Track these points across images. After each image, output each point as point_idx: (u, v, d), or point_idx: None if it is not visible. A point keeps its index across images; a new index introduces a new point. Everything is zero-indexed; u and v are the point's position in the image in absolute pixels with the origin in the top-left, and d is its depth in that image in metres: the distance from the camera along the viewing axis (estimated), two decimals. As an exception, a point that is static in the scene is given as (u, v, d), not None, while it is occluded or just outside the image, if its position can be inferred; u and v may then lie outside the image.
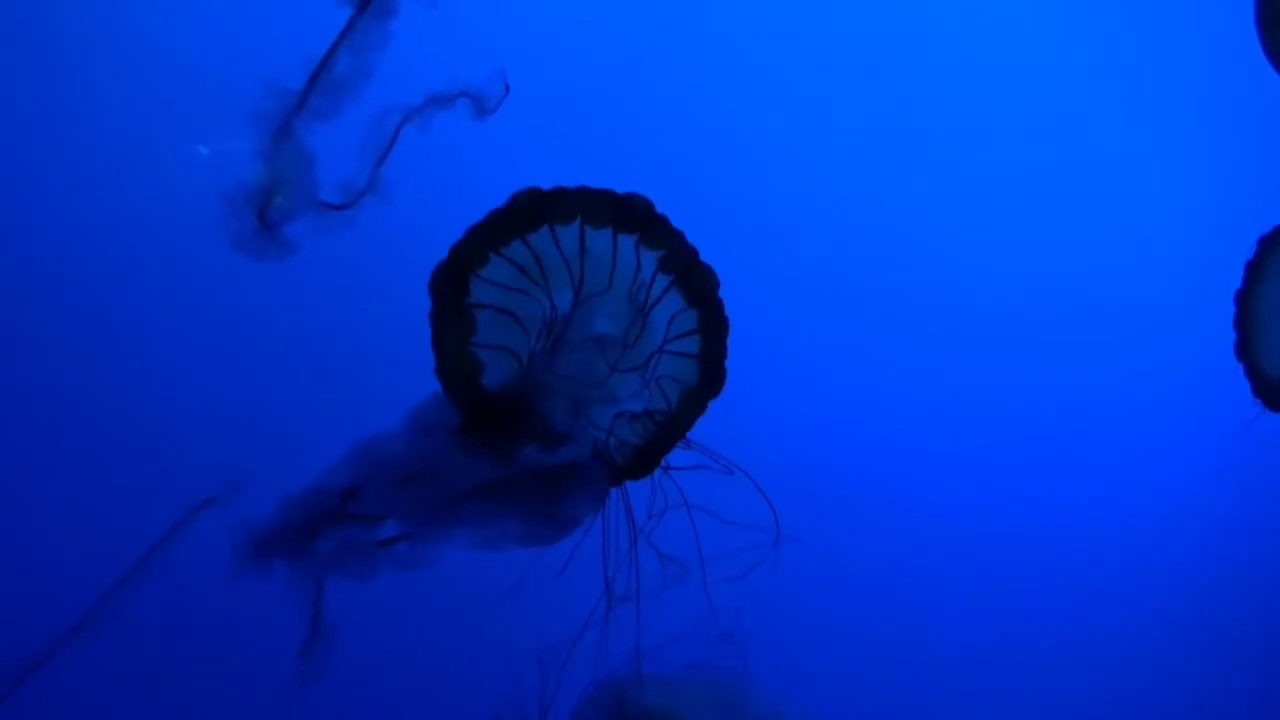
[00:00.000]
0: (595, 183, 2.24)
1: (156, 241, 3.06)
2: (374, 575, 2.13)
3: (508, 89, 2.16)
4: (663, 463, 2.27)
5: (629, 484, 2.27)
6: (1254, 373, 2.74)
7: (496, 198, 2.18)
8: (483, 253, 2.10)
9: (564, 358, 2.20)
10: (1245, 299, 2.73)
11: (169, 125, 3.06)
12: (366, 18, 2.03)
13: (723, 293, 2.20)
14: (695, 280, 2.19)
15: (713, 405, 2.24)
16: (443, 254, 2.17)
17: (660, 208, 2.22)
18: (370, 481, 2.10)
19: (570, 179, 2.25)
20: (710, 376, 2.26)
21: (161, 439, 3.00)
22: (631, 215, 2.14)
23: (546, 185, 2.21)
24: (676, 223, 2.21)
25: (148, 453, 3.01)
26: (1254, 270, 2.73)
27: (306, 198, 2.06)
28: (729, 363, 2.22)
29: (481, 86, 2.18)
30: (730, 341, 2.21)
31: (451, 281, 2.10)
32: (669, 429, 2.29)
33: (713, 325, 2.23)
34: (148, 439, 3.00)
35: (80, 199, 3.07)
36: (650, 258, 2.17)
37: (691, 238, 2.18)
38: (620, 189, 2.21)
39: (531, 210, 2.10)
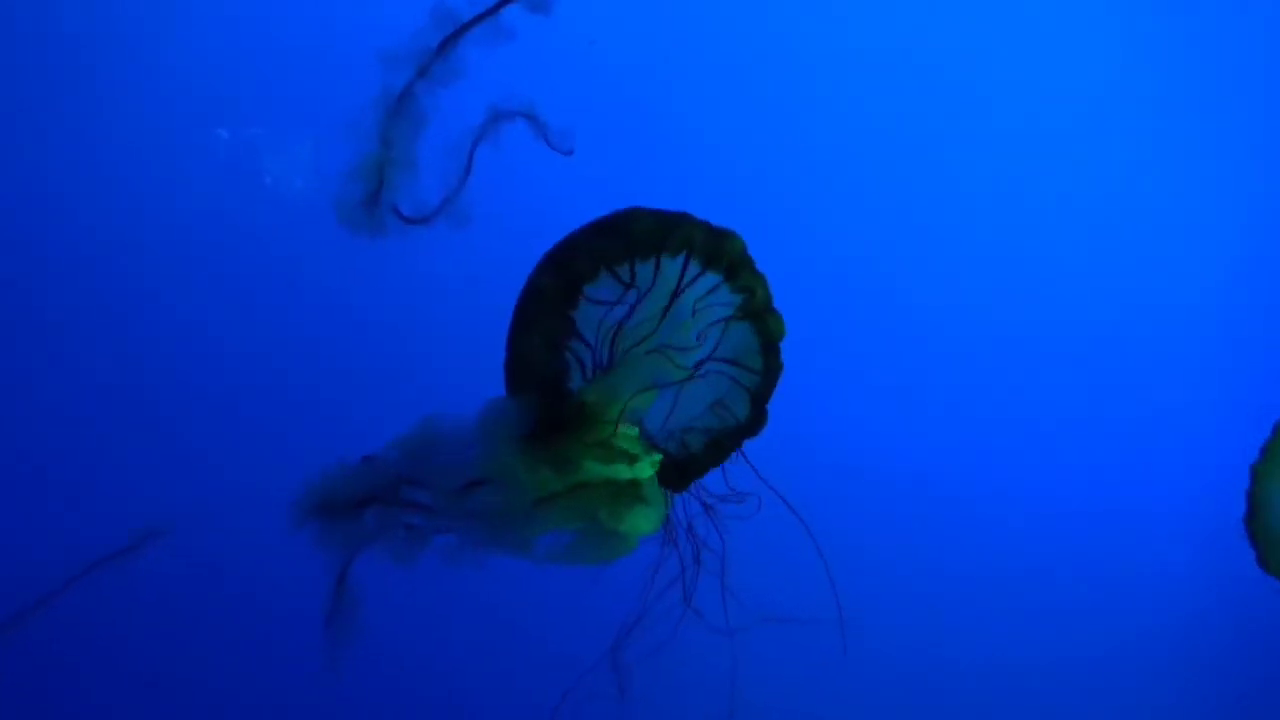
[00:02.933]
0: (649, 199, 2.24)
1: (177, 233, 2.96)
2: (413, 559, 2.07)
3: (572, 151, 2.14)
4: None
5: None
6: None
7: (568, 206, 2.16)
8: (594, 266, 2.06)
9: (624, 375, 2.18)
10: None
11: (189, 110, 2.96)
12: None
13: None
14: (769, 324, 2.20)
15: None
16: (512, 264, 2.14)
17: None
18: (429, 479, 2.04)
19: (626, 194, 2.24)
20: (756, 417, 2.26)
21: (205, 426, 2.91)
22: (725, 252, 2.14)
23: (606, 198, 2.21)
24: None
25: (197, 437, 2.92)
26: None
27: (407, 181, 2.01)
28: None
29: (550, 121, 2.15)
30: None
31: (563, 284, 2.06)
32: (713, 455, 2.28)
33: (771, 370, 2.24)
34: (193, 426, 2.91)
35: (94, 192, 2.96)
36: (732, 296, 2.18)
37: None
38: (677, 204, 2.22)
39: (650, 236, 2.08)
